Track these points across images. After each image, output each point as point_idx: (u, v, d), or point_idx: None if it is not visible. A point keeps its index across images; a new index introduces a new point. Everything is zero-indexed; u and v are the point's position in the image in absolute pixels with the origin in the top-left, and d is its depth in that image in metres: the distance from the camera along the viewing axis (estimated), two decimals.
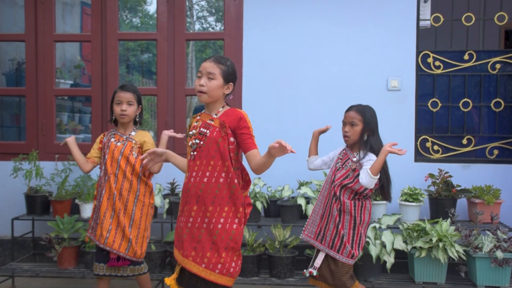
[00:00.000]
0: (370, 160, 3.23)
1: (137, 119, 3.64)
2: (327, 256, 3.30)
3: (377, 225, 4.16)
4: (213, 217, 2.67)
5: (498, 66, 4.83)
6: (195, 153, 2.74)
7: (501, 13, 4.80)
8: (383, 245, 4.06)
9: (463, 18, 4.83)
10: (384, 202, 4.35)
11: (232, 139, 2.73)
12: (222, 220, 2.68)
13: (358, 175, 3.23)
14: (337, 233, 3.25)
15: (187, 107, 5.31)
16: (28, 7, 5.04)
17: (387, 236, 4.10)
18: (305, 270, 3.40)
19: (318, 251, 3.37)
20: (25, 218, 4.68)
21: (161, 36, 4.97)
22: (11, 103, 6.32)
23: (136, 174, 3.53)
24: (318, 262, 3.32)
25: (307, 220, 3.50)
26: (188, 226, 2.72)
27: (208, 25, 17.18)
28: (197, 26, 16.61)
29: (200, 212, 2.69)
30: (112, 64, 4.99)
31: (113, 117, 3.60)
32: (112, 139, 3.56)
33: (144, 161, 2.91)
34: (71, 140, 3.77)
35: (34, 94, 5.05)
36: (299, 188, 4.55)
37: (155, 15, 5.01)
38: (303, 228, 3.48)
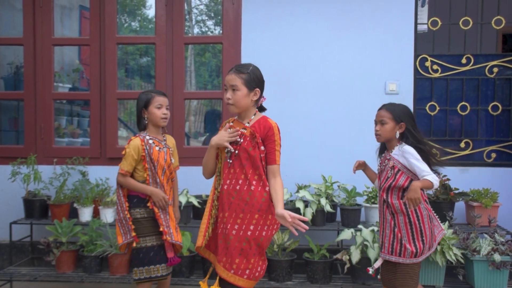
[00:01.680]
0: (409, 153, 3.17)
1: None
2: (387, 262, 3.27)
3: (376, 228, 4.16)
4: (243, 224, 2.75)
5: (495, 69, 4.85)
6: (230, 161, 2.83)
7: (499, 17, 4.82)
8: None
9: (460, 22, 4.85)
10: None
11: (262, 147, 2.80)
12: (252, 227, 2.74)
13: (398, 171, 3.20)
14: (394, 237, 3.20)
15: (186, 111, 5.32)
16: (27, 11, 5.05)
17: None
18: (369, 268, 3.37)
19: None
20: (23, 222, 4.68)
21: (159, 40, 4.98)
22: (10, 107, 6.31)
23: (172, 178, 3.61)
24: (377, 263, 3.32)
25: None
26: (220, 232, 2.81)
27: (207, 29, 17.20)
28: (196, 30, 16.63)
29: (231, 219, 2.77)
30: (110, 68, 4.99)
31: (146, 122, 3.51)
32: (154, 146, 3.46)
33: None
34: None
35: (33, 98, 5.06)
36: (297, 191, 4.55)
37: (154, 19, 5.02)
38: None
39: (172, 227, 3.48)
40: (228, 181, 2.81)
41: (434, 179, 3.05)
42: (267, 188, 2.78)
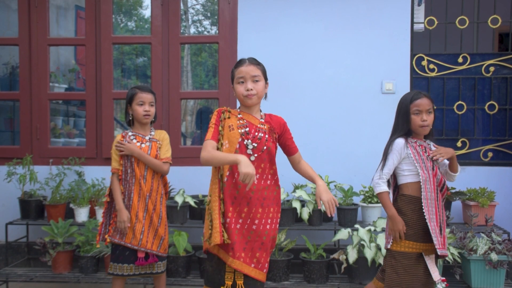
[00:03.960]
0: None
1: (153, 119, 3.66)
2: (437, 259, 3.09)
3: (372, 228, 4.16)
4: (262, 218, 2.77)
5: (492, 69, 4.85)
6: (256, 155, 2.77)
7: (495, 16, 4.82)
8: (378, 248, 4.06)
9: (457, 21, 4.85)
10: (379, 205, 4.35)
11: (276, 144, 2.88)
12: (269, 221, 2.80)
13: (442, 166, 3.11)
14: (442, 231, 3.02)
15: (182, 111, 5.31)
16: (22, 11, 5.03)
17: (382, 239, 4.09)
18: (440, 285, 3.04)
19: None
20: (19, 222, 4.66)
21: (155, 40, 4.97)
22: (5, 107, 6.30)
23: (161, 174, 3.59)
24: (436, 275, 3.05)
25: (431, 233, 2.98)
26: (238, 228, 2.75)
27: (203, 29, 17.18)
28: (193, 30, 16.62)
29: (250, 214, 2.75)
30: (106, 68, 4.98)
31: (130, 118, 3.60)
32: (134, 141, 3.54)
33: None
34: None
35: (28, 98, 5.04)
36: (294, 191, 4.55)
37: (150, 19, 5.01)
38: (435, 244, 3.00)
39: (145, 232, 3.49)
40: None
41: None
42: (279, 182, 2.88)
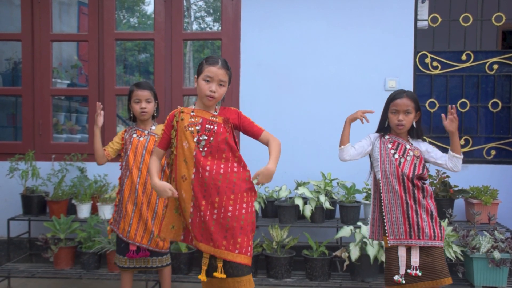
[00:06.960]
0: (432, 147, 3.21)
1: (154, 114, 3.74)
2: (425, 252, 3.10)
3: None
4: (236, 204, 2.83)
5: (495, 66, 4.83)
6: (205, 149, 2.85)
7: (499, 13, 4.80)
8: (381, 246, 4.05)
9: (460, 19, 4.83)
10: None
11: (233, 133, 2.93)
12: (244, 206, 2.86)
13: (423, 163, 3.16)
14: (433, 220, 3.08)
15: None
16: (25, 7, 5.01)
17: None
18: (396, 277, 3.09)
19: (408, 249, 3.11)
20: (21, 218, 4.67)
21: (158, 36, 4.96)
22: (8, 103, 6.30)
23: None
24: (416, 260, 3.09)
25: (386, 225, 3.16)
26: (214, 218, 2.82)
27: (206, 25, 17.18)
28: (195, 26, 16.60)
29: (223, 202, 2.82)
30: (109, 64, 4.97)
31: (131, 115, 3.70)
32: (134, 135, 3.65)
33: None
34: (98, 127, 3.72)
35: (31, 94, 5.03)
36: (296, 188, 4.54)
37: (153, 15, 5.00)
38: (386, 235, 3.15)
39: (133, 224, 3.54)
40: (208, 168, 2.83)
41: None
42: (247, 168, 2.92)
